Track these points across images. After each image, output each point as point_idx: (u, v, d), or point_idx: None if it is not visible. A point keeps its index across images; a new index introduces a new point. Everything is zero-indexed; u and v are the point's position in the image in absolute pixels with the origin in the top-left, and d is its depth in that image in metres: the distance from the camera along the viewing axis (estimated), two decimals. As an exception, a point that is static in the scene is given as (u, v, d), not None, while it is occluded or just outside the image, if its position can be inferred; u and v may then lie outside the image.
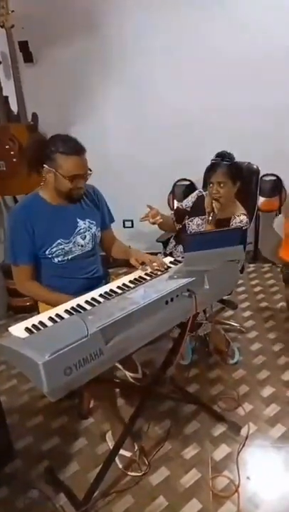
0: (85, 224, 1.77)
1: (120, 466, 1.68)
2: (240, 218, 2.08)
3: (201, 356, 2.33)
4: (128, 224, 3.55)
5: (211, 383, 2.14)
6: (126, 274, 1.68)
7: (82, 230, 1.76)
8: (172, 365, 1.69)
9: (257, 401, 2.00)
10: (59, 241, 1.70)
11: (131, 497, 1.57)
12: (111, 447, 1.77)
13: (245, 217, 2.10)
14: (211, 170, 2.07)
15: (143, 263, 1.68)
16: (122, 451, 1.66)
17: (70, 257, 1.73)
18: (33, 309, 2.81)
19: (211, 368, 2.26)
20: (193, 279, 1.48)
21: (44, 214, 1.68)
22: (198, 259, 1.57)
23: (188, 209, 2.21)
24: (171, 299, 1.41)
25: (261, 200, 3.36)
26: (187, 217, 2.21)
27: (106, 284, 1.90)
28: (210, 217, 2.03)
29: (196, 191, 2.27)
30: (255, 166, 2.51)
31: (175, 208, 2.30)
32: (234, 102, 3.10)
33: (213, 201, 2.04)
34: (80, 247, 1.75)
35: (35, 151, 1.65)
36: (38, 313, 1.81)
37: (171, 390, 1.99)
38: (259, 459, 1.71)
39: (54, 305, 1.61)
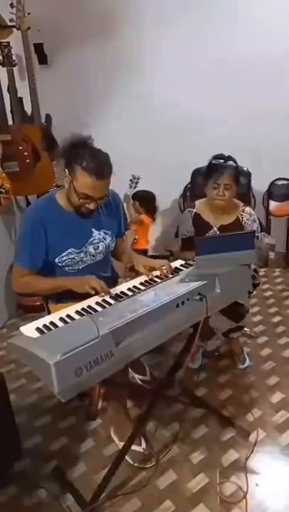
0: (99, 235, 1.72)
1: (130, 461, 1.68)
2: (247, 211, 2.07)
3: (210, 360, 2.32)
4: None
5: (220, 388, 2.13)
6: (132, 277, 1.67)
7: (96, 241, 1.71)
8: (182, 368, 1.68)
9: (266, 407, 1.98)
10: (70, 250, 1.65)
11: (138, 500, 1.57)
12: (118, 442, 1.79)
13: (248, 207, 2.09)
14: (215, 171, 1.97)
15: (152, 269, 1.65)
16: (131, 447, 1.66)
17: (80, 266, 1.71)
18: (42, 309, 2.83)
19: (220, 372, 2.24)
20: (205, 282, 1.47)
21: (58, 220, 1.63)
22: (209, 263, 1.57)
23: (193, 233, 2.10)
24: (182, 302, 1.41)
25: (273, 204, 3.33)
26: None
27: (115, 286, 1.92)
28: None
29: (186, 212, 2.15)
30: (245, 169, 2.47)
31: (181, 240, 2.17)
32: (245, 106, 3.10)
33: (217, 201, 1.98)
34: (91, 257, 1.72)
35: (66, 149, 1.55)
36: (48, 313, 1.83)
37: (180, 393, 1.98)
38: (268, 465, 1.70)
39: (52, 291, 1.66)
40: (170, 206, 3.44)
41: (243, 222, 2.06)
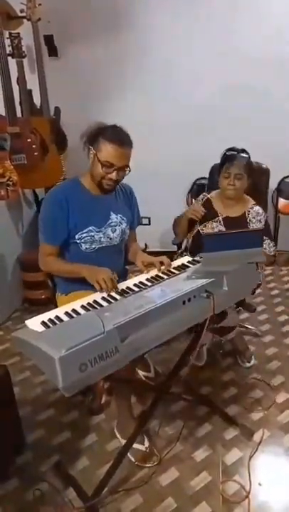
0: (117, 218, 1.79)
1: (132, 459, 1.68)
2: (255, 209, 2.06)
3: (214, 358, 2.30)
4: (145, 221, 3.53)
5: (225, 386, 2.11)
6: (140, 272, 1.67)
7: (113, 223, 1.78)
8: (187, 365, 1.67)
9: (271, 407, 1.96)
10: (90, 228, 1.72)
11: (139, 496, 1.56)
12: (120, 439, 1.78)
13: (258, 207, 2.08)
14: (227, 161, 2.00)
15: (150, 264, 1.67)
16: (134, 445, 1.65)
17: (97, 246, 1.75)
18: (48, 302, 2.83)
19: (225, 370, 2.23)
20: (212, 280, 1.45)
21: (81, 198, 1.71)
22: (216, 260, 1.55)
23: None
24: (189, 300, 1.39)
25: (282, 202, 3.30)
26: (198, 223, 2.11)
27: (125, 280, 1.91)
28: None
29: (201, 195, 2.20)
30: (264, 166, 2.45)
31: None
32: (257, 103, 3.05)
33: (228, 190, 1.99)
34: (108, 239, 1.77)
35: (91, 129, 1.66)
36: (56, 306, 1.82)
37: (184, 391, 1.97)
38: (271, 465, 1.68)
39: (68, 275, 1.71)
40: (174, 204, 3.37)
41: (248, 219, 2.05)
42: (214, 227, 2.06)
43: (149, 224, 3.56)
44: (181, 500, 1.54)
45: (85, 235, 1.71)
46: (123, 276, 1.91)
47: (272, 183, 3.24)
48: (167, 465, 1.68)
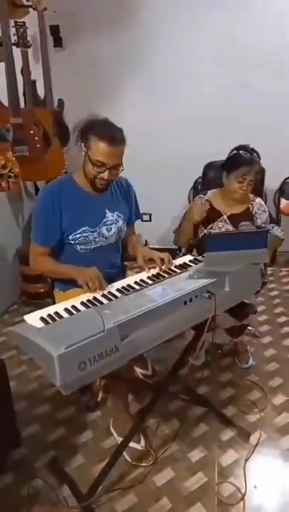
0: (112, 216, 1.74)
1: (128, 458, 1.67)
2: (257, 201, 2.06)
3: (212, 358, 2.29)
4: (146, 218, 3.51)
5: (222, 386, 2.10)
6: (140, 268, 1.65)
7: (109, 222, 1.72)
8: (186, 365, 1.65)
9: (268, 409, 1.95)
10: (84, 228, 1.67)
11: (134, 496, 1.55)
12: (116, 437, 1.77)
13: (258, 198, 2.08)
14: (243, 165, 1.91)
15: (151, 260, 1.63)
16: (130, 444, 1.64)
17: (92, 246, 1.70)
18: (46, 296, 2.81)
19: (223, 370, 2.21)
20: (214, 280, 1.43)
21: (74, 198, 1.66)
22: (219, 260, 1.53)
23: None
24: (190, 300, 1.37)
25: (284, 203, 3.27)
26: (202, 228, 2.06)
27: (124, 277, 1.89)
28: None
29: (196, 198, 2.09)
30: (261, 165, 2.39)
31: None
32: (261, 101, 3.02)
33: (237, 194, 1.95)
34: (104, 239, 1.72)
35: (82, 124, 1.59)
36: (53, 301, 1.80)
37: (181, 390, 1.95)
38: (267, 468, 1.67)
39: (59, 276, 1.66)
40: (175, 201, 3.35)
41: (254, 212, 2.05)
42: (221, 227, 2.02)
43: (150, 220, 3.55)
44: (176, 501, 1.53)
45: (78, 235, 1.66)
46: (121, 272, 1.88)
47: (275, 184, 3.24)
48: (163, 465, 1.67)
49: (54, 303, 1.80)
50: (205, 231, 2.04)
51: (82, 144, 1.58)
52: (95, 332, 1.13)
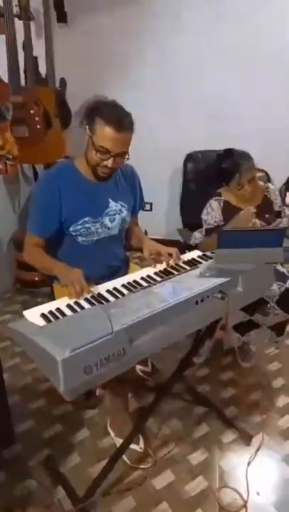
0: (116, 206, 1.62)
1: (126, 460, 1.60)
2: (271, 188, 2.09)
3: (214, 356, 2.20)
4: (147, 207, 3.39)
5: (223, 386, 2.04)
6: (140, 258, 1.55)
7: (112, 212, 1.61)
8: (191, 366, 1.58)
9: (270, 410, 1.89)
10: (86, 219, 1.56)
11: (132, 499, 1.49)
12: (113, 437, 1.70)
13: (269, 183, 2.14)
14: (235, 171, 1.92)
15: (158, 254, 1.54)
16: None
17: (94, 238, 1.60)
18: (41, 285, 2.71)
19: (224, 369, 2.15)
20: (228, 279, 1.35)
21: (76, 186, 1.55)
22: (231, 258, 1.44)
23: (222, 223, 2.00)
24: (202, 300, 1.29)
25: (290, 196, 3.19)
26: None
27: (127, 269, 1.80)
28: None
29: (212, 201, 2.02)
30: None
31: (205, 230, 2.06)
32: (268, 95, 2.86)
33: (245, 195, 1.94)
34: (106, 230, 1.62)
35: (87, 105, 1.47)
36: (51, 291, 1.71)
37: (183, 389, 1.89)
38: (270, 473, 1.62)
39: (48, 273, 1.54)
40: (177, 190, 3.24)
41: (272, 199, 2.07)
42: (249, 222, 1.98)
43: (151, 210, 3.43)
44: (176, 506, 1.48)
45: (79, 227, 1.55)
46: (125, 265, 1.80)
47: (282, 178, 3.14)
48: (162, 467, 1.61)
49: (52, 294, 1.72)
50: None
51: (87, 127, 1.46)
52: (102, 334, 1.04)
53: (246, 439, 1.74)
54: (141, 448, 1.63)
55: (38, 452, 1.65)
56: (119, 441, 1.66)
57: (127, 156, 1.50)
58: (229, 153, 2.02)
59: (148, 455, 1.63)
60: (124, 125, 1.42)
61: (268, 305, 1.87)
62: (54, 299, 1.69)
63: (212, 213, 2.01)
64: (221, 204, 2.01)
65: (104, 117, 1.40)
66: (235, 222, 1.94)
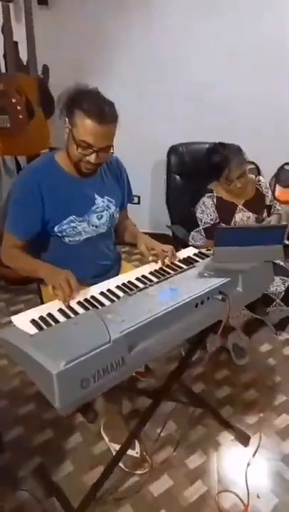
0: (103, 202, 1.52)
1: (122, 465, 1.53)
2: (262, 180, 2.07)
3: (207, 353, 2.16)
4: (134, 200, 3.29)
5: (218, 384, 1.99)
6: (128, 254, 1.47)
7: (99, 209, 1.51)
8: (188, 368, 1.52)
9: (267, 409, 1.86)
10: (71, 218, 1.45)
11: (130, 507, 1.43)
12: (107, 442, 1.64)
13: (259, 176, 2.11)
14: (224, 166, 1.86)
15: (152, 250, 1.46)
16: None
17: (82, 238, 1.49)
18: (28, 282, 2.60)
19: (218, 367, 2.10)
20: (228, 279, 1.29)
21: (58, 183, 1.43)
22: (230, 256, 1.38)
23: (218, 219, 1.94)
24: (202, 302, 1.23)
25: (279, 190, 3.15)
26: (222, 224, 1.92)
27: (119, 268, 1.72)
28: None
29: (205, 199, 1.96)
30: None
31: (204, 230, 1.99)
32: (258, 85, 2.78)
33: (236, 191, 1.90)
34: (94, 228, 1.51)
35: (67, 95, 1.34)
36: (38, 288, 1.61)
37: (178, 389, 1.83)
38: (270, 475, 1.58)
39: (33, 275, 1.42)
40: (158, 180, 3.15)
41: (264, 192, 2.04)
42: (242, 217, 1.95)
43: (139, 203, 3.35)
44: (175, 513, 1.43)
45: (65, 226, 1.44)
46: (116, 263, 1.72)
47: (272, 170, 3.10)
48: (159, 472, 1.56)
49: (39, 291, 1.63)
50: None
51: (67, 120, 1.34)
52: (99, 343, 0.97)
53: (244, 439, 1.71)
54: (137, 453, 1.57)
55: (28, 461, 1.58)
56: (113, 447, 1.60)
57: (111, 150, 1.39)
58: (219, 147, 1.94)
59: (144, 460, 1.58)
60: (107, 116, 1.30)
61: (274, 302, 1.83)
62: (41, 297, 1.61)
63: (206, 211, 1.95)
64: (214, 200, 1.95)
65: (84, 109, 1.28)
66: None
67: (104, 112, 1.29)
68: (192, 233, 2.00)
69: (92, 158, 1.35)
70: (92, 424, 1.73)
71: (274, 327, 1.98)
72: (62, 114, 1.37)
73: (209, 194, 1.96)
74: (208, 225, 1.95)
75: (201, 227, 1.98)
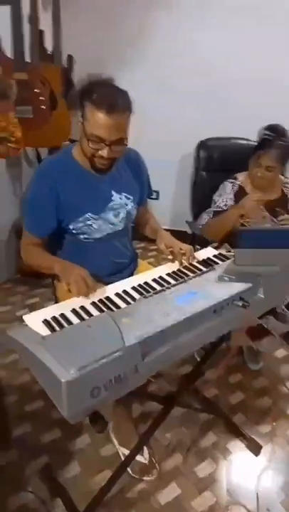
0: (120, 199, 1.47)
1: (129, 470, 1.50)
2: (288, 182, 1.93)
3: (219, 357, 2.06)
4: (153, 195, 3.23)
5: (231, 390, 1.94)
6: (144, 250, 1.41)
7: (116, 206, 1.46)
8: (202, 376, 1.47)
9: (280, 418, 1.80)
10: (87, 215, 1.41)
11: (136, 515, 1.40)
12: (116, 445, 1.60)
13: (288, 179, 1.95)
14: (261, 147, 1.76)
15: (170, 248, 1.41)
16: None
17: (98, 235, 1.45)
18: (43, 276, 2.57)
19: (231, 371, 2.03)
20: (249, 285, 1.22)
21: (74, 179, 1.39)
22: (251, 259, 1.31)
23: None
24: (221, 308, 1.17)
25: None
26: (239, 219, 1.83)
27: (135, 266, 1.67)
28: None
29: (226, 183, 1.88)
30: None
31: (213, 212, 1.91)
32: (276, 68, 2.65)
33: (257, 180, 1.80)
34: (110, 226, 1.46)
35: (80, 88, 1.28)
36: (54, 290, 1.59)
37: (190, 394, 1.78)
38: (282, 488, 1.52)
39: (47, 271, 1.40)
40: (181, 176, 3.07)
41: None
42: (256, 215, 1.83)
43: (158, 198, 3.28)
44: (183, 524, 1.39)
45: (81, 224, 1.41)
46: (133, 262, 1.67)
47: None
48: (167, 479, 1.52)
49: (53, 286, 1.60)
50: (241, 221, 1.82)
51: (80, 114, 1.28)
52: (113, 349, 0.92)
53: (255, 449, 1.65)
54: (146, 459, 1.53)
55: (35, 460, 1.55)
56: (122, 451, 1.57)
57: (125, 142, 1.31)
58: (280, 128, 1.79)
59: (152, 466, 1.54)
60: (118, 107, 1.22)
61: (282, 311, 1.75)
62: (55, 293, 1.58)
63: (224, 196, 1.88)
64: (235, 188, 1.88)
65: (94, 101, 1.22)
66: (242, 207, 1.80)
67: (113, 101, 1.22)
68: (202, 214, 1.94)
69: (104, 152, 1.28)
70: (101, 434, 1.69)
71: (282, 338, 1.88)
72: (75, 108, 1.32)
73: (232, 180, 1.90)
74: (220, 209, 1.88)
75: (212, 209, 1.91)
